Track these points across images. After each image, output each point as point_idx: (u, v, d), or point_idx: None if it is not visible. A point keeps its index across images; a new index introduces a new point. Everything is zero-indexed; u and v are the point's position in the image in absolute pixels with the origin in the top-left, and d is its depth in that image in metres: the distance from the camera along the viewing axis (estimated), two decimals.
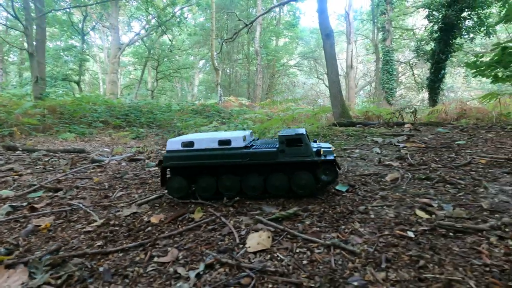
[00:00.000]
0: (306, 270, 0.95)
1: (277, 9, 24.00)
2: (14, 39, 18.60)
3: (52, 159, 3.62)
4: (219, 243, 1.16)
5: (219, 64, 23.31)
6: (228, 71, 26.23)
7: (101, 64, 25.72)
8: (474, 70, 4.51)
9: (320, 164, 1.57)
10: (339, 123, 4.90)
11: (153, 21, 18.32)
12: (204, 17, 24.64)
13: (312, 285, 0.87)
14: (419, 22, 19.61)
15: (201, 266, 0.98)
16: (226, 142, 1.60)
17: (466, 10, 10.62)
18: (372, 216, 1.34)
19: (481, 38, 12.43)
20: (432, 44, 11.73)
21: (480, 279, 0.87)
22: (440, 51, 11.25)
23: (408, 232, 1.16)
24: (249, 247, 1.10)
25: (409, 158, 2.33)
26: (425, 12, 11.95)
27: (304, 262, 1.00)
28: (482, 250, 1.01)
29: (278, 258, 1.02)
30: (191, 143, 1.62)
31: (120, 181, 2.25)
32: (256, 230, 1.23)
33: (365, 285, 0.86)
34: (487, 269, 0.91)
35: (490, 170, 1.92)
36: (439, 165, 2.10)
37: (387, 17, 15.70)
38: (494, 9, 11.34)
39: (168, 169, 1.70)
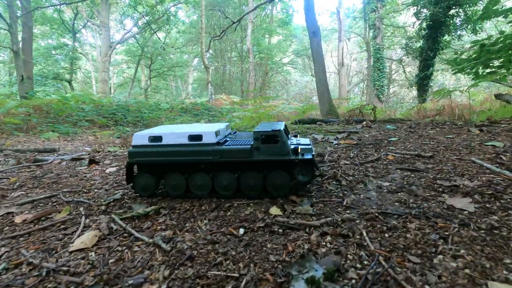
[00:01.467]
0: (102, 269, 0.95)
1: (269, 7, 23.91)
2: (3, 38, 18.55)
3: (7, 159, 3.62)
4: (52, 243, 1.16)
5: (212, 62, 23.28)
6: (221, 69, 26.20)
7: (93, 63, 25.71)
8: (455, 67, 4.48)
9: (297, 163, 1.46)
10: (300, 120, 4.90)
11: (144, 19, 18.27)
12: (197, 15, 24.58)
13: (91, 283, 0.87)
14: (410, 19, 19.51)
15: (2, 266, 0.98)
16: (197, 137, 1.48)
17: (453, 7, 10.58)
18: (229, 213, 1.34)
19: (469, 36, 12.37)
20: (421, 42, 11.71)
21: (258, 275, 0.87)
22: (428, 49, 11.24)
23: (240, 230, 1.16)
24: (72, 246, 1.10)
25: (327, 155, 2.32)
26: (415, 9, 11.91)
27: (111, 260, 1.00)
28: (288, 247, 1.00)
29: (89, 257, 1.02)
30: (159, 138, 1.51)
31: (35, 181, 2.25)
32: (99, 229, 1.23)
33: (140, 284, 0.86)
34: (276, 265, 0.91)
35: (389, 166, 1.91)
36: (348, 162, 2.09)
37: (377, 15, 15.63)
38: (481, 7, 11.28)
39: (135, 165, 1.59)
